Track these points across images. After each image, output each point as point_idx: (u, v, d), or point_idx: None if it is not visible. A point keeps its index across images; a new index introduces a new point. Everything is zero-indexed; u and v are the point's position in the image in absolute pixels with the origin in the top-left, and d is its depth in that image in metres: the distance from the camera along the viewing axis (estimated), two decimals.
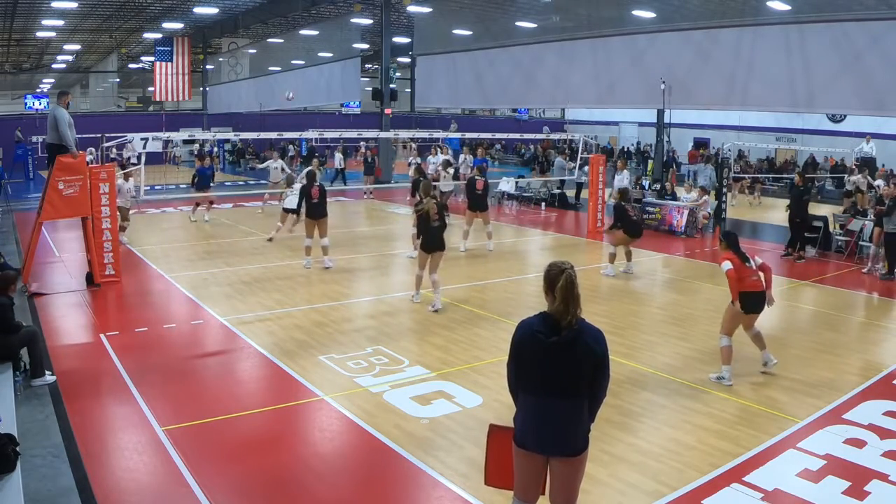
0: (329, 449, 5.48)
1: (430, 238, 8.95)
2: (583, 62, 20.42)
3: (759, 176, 26.05)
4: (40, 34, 31.34)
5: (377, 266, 12.07)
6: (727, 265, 6.72)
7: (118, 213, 12.06)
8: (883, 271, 11.65)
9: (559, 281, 3.45)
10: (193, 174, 16.33)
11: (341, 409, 6.04)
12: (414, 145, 29.13)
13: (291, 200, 13.16)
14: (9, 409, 5.19)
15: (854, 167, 21.15)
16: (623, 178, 16.58)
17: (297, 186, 12.86)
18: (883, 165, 25.47)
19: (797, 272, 12.07)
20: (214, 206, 17.01)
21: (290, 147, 33.38)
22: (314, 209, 11.37)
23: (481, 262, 12.39)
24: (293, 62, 33.64)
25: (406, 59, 35.47)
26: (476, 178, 13.33)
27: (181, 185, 24.87)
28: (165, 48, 34.64)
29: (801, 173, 14.69)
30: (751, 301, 6.67)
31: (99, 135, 11.64)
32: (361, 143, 31.70)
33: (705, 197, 15.90)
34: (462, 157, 21.25)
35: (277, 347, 7.59)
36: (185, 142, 32.85)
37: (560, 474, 3.56)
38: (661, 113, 25.06)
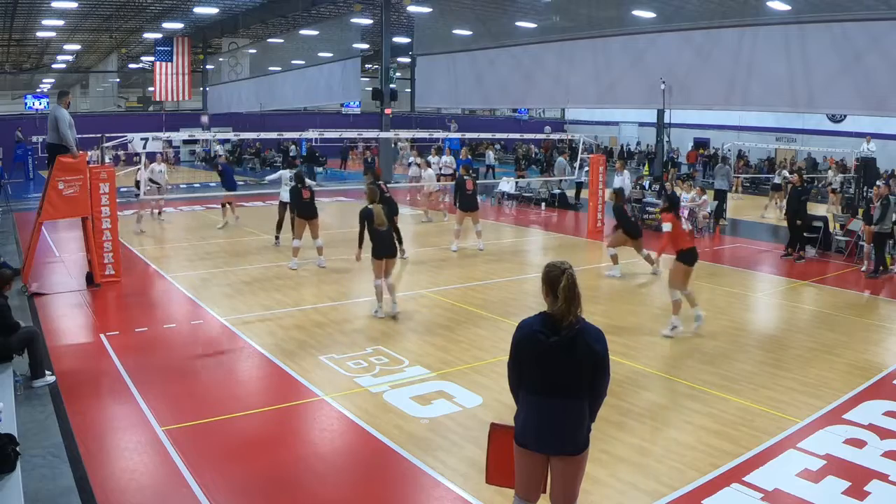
0: (329, 449, 5.48)
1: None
2: (583, 62, 20.41)
3: (777, 176, 26.08)
4: (40, 34, 31.31)
5: None
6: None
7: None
8: (871, 269, 11.68)
9: (561, 281, 3.46)
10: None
11: (341, 409, 6.03)
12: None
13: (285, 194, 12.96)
14: (9, 409, 5.19)
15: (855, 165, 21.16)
16: (624, 179, 16.60)
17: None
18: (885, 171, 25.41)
19: (797, 272, 12.07)
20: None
21: (293, 147, 33.36)
22: (305, 209, 11.46)
23: (481, 263, 12.38)
24: (293, 62, 33.60)
25: (406, 59, 35.44)
26: (465, 177, 13.28)
27: (181, 185, 24.94)
28: (165, 48, 34.63)
29: (799, 173, 14.69)
30: None
31: (99, 135, 11.62)
32: (374, 142, 31.60)
33: (705, 197, 15.90)
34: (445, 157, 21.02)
35: (277, 347, 7.59)
36: (186, 142, 32.82)
37: (561, 473, 3.57)
38: (661, 113, 25.05)
